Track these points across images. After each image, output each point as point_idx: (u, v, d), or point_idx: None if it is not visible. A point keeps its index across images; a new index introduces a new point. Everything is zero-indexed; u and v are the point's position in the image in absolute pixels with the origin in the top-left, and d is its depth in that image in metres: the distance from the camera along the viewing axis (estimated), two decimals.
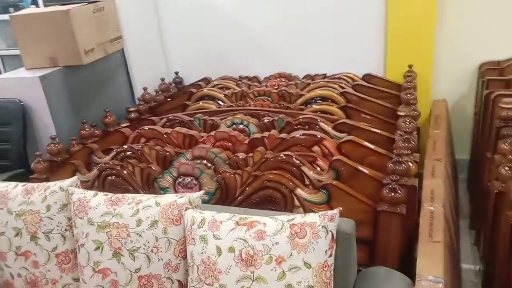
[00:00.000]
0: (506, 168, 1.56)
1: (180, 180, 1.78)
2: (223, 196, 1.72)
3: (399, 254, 1.49)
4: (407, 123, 1.91)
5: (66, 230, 1.53)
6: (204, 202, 1.49)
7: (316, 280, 1.19)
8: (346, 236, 1.30)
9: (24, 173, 2.15)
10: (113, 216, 1.40)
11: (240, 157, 1.78)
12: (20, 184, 1.63)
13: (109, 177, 1.90)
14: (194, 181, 1.75)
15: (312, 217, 1.25)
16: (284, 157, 1.71)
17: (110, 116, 2.46)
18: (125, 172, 1.86)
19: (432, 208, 1.67)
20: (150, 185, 1.83)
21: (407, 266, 1.52)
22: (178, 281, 1.38)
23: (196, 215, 1.33)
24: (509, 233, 1.37)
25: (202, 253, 1.26)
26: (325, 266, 1.20)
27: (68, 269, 1.54)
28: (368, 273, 1.39)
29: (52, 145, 2.12)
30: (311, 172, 1.68)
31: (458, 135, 2.97)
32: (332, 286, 1.22)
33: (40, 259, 1.53)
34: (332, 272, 1.22)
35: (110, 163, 1.92)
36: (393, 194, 1.50)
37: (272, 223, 1.25)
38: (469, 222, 2.60)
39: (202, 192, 1.44)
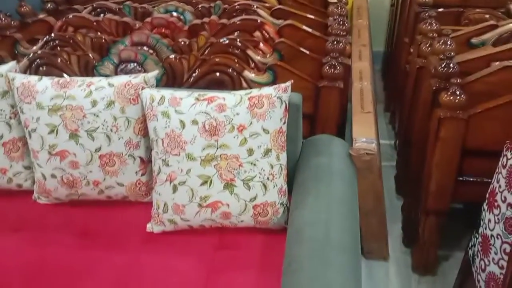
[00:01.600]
0: (427, 45, 1.77)
1: (122, 67, 1.74)
2: (170, 82, 1.73)
3: (336, 124, 1.68)
4: (339, 8, 2.02)
5: (10, 118, 1.47)
6: None
7: (273, 144, 1.32)
8: (295, 106, 1.43)
9: None
10: (64, 99, 1.37)
11: (184, 42, 1.77)
12: None
13: (42, 67, 1.79)
14: (138, 67, 1.73)
15: (268, 90, 1.34)
16: (229, 41, 1.74)
17: (25, 5, 2.22)
18: (59, 60, 1.76)
19: (361, 85, 1.87)
20: (89, 74, 1.77)
21: (341, 136, 1.73)
22: (140, 157, 1.43)
23: (154, 93, 1.35)
24: (429, 98, 1.61)
25: (165, 127, 1.31)
26: (280, 132, 1.34)
27: (17, 157, 1.51)
28: (312, 140, 1.57)
29: None
30: (256, 55, 1.74)
31: (375, 28, 3.17)
32: (285, 149, 1.36)
33: None
34: (285, 137, 1.36)
35: (40, 52, 1.80)
36: (332, 70, 1.64)
37: (231, 97, 1.33)
38: (384, 106, 2.93)
39: (156, 71, 1.45)
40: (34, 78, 1.42)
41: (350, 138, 1.61)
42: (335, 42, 1.70)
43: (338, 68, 1.64)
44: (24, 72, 1.80)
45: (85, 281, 1.26)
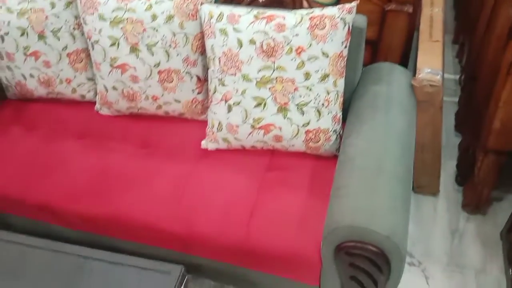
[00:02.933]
0: None
1: None
2: None
3: (401, 52, 1.59)
4: None
5: (74, 29, 1.51)
6: None
7: (332, 69, 1.28)
8: (358, 30, 1.36)
9: None
10: (125, 12, 1.37)
11: None
12: None
13: None
14: None
15: (331, 10, 1.27)
16: None
17: None
18: None
19: (432, 11, 1.72)
20: None
21: (404, 65, 1.64)
22: (197, 76, 1.45)
23: (213, 9, 1.32)
24: (506, 29, 1.47)
25: (223, 46, 1.30)
26: (340, 56, 1.28)
27: (81, 68, 1.57)
28: (373, 68, 1.50)
29: None
30: None
31: None
32: (344, 76, 1.32)
33: (51, 59, 1.54)
34: (345, 62, 1.31)
35: None
36: None
37: (291, 16, 1.28)
38: (452, 38, 2.71)
39: None
40: None
41: (413, 68, 1.53)
42: None
43: None
44: None
45: (144, 187, 1.35)
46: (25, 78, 1.59)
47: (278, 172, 1.37)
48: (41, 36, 1.50)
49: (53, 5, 1.47)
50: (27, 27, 1.49)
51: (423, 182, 1.78)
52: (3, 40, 1.52)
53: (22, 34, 1.50)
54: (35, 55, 1.53)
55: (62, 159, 1.46)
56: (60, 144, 1.51)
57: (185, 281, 1.15)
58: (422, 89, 1.42)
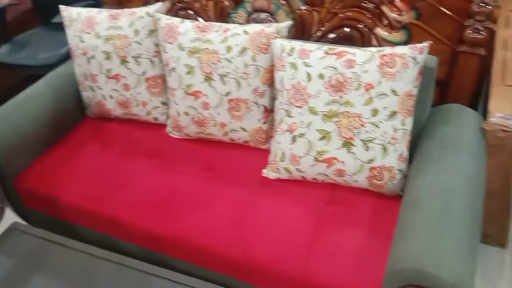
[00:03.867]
0: None
1: (254, 16, 1.79)
2: (299, 34, 1.74)
3: (470, 94, 1.55)
4: None
5: (154, 56, 1.62)
6: None
7: (400, 107, 1.28)
8: (429, 70, 1.35)
9: (94, 5, 2.17)
10: (203, 42, 1.46)
11: None
12: (103, 10, 1.67)
13: (181, 11, 1.91)
14: (269, 17, 1.76)
15: (402, 49, 1.28)
16: None
17: None
18: (197, 5, 1.86)
19: (505, 55, 1.68)
20: (223, 20, 1.85)
21: (474, 108, 1.59)
22: (264, 106, 1.49)
23: (285, 44, 1.37)
24: None
25: (292, 78, 1.34)
26: (410, 95, 1.28)
27: (157, 93, 1.67)
28: (442, 108, 1.48)
29: None
30: (391, 12, 1.65)
31: None
32: (412, 115, 1.31)
33: (130, 82, 1.66)
34: (414, 101, 1.30)
35: None
36: (475, 35, 1.49)
37: (361, 53, 1.30)
38: None
39: (289, 22, 1.46)
40: (177, 20, 1.53)
41: (483, 111, 1.48)
42: (481, 4, 1.53)
43: (482, 33, 1.49)
44: (166, 14, 1.95)
45: (205, 209, 1.40)
46: (105, 98, 1.72)
47: (339, 207, 1.36)
48: (123, 61, 1.62)
49: (136, 33, 1.59)
50: (112, 52, 1.62)
51: (490, 232, 1.69)
52: (89, 62, 1.67)
53: (107, 58, 1.63)
54: (116, 78, 1.66)
55: (132, 176, 1.54)
56: (132, 162, 1.60)
57: None
58: (494, 134, 1.38)
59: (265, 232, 1.32)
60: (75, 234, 1.58)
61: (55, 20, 1.99)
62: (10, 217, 1.72)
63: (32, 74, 2.12)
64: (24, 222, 1.68)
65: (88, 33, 1.64)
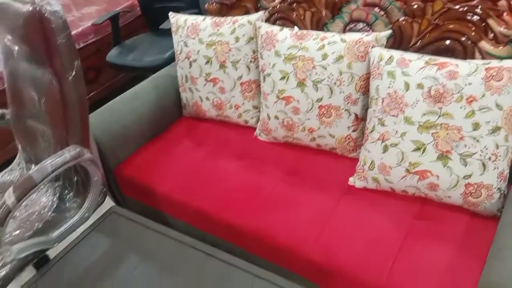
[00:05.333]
0: None
1: (351, 26, 1.80)
2: (396, 45, 1.70)
3: None
4: None
5: (250, 61, 1.70)
6: None
7: (505, 122, 1.21)
8: None
9: (197, 13, 2.33)
10: (299, 50, 1.51)
11: (418, 6, 1.71)
12: (208, 17, 1.79)
13: (278, 21, 1.98)
14: (366, 27, 1.76)
15: (511, 63, 1.22)
16: (468, 8, 1.61)
17: None
18: (295, 15, 1.92)
19: None
20: (319, 30, 1.88)
21: None
22: (355, 114, 1.49)
23: (383, 53, 1.37)
24: None
25: (388, 87, 1.33)
26: None
27: (249, 97, 1.74)
28: None
29: None
30: (498, 26, 1.57)
31: None
32: None
33: (226, 86, 1.75)
34: None
35: (279, 6, 1.99)
36: None
37: (465, 65, 1.25)
38: None
39: (389, 31, 1.46)
40: (276, 28, 1.59)
41: None
42: None
43: None
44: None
45: (289, 211, 1.42)
46: (201, 100, 1.83)
47: (428, 222, 1.31)
48: (222, 65, 1.72)
49: (237, 40, 1.69)
50: (212, 57, 1.73)
51: None
52: (190, 65, 1.79)
53: (207, 62, 1.74)
54: (214, 81, 1.76)
55: (221, 173, 1.62)
56: (221, 161, 1.68)
57: None
58: None
59: (349, 239, 1.31)
60: (165, 224, 1.69)
61: (162, 26, 2.17)
62: (108, 203, 1.89)
63: (137, 75, 2.32)
64: None
65: (193, 38, 1.76)
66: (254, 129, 1.80)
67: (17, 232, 1.41)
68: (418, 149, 1.29)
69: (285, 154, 1.67)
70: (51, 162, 1.29)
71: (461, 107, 1.23)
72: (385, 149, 1.35)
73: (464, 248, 1.22)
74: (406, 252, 1.24)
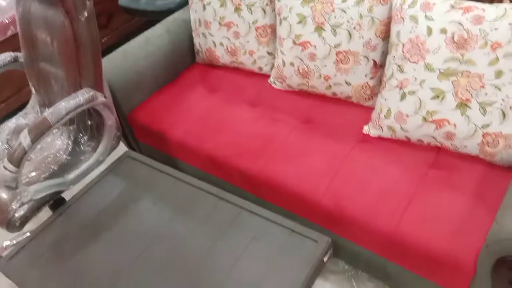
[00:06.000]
0: None
1: None
2: None
3: None
4: None
5: (266, 4, 1.64)
6: None
7: None
8: None
9: None
10: None
11: None
12: None
13: None
14: None
15: None
16: None
17: None
18: None
19: None
20: None
21: None
22: (374, 60, 1.45)
23: None
24: None
25: (410, 32, 1.28)
26: None
27: (264, 42, 1.70)
28: None
29: None
30: None
31: None
32: None
33: (241, 31, 1.70)
34: None
35: None
36: None
37: (492, 9, 1.19)
38: None
39: None
40: None
41: None
42: None
43: None
44: None
45: (302, 158, 1.42)
46: (215, 45, 1.79)
47: (443, 171, 1.30)
48: (237, 9, 1.67)
49: None
50: None
51: None
52: (204, 8, 1.74)
53: (221, 5, 1.69)
54: (228, 25, 1.71)
55: (234, 120, 1.61)
56: (234, 108, 1.66)
57: (329, 252, 1.18)
58: None
59: (361, 187, 1.31)
60: (178, 169, 1.71)
61: None
62: (123, 149, 1.91)
63: (150, 20, 2.27)
64: None
65: None
66: (268, 76, 1.77)
67: (33, 174, 1.43)
68: (436, 97, 1.26)
69: (299, 102, 1.64)
70: (65, 105, 1.30)
71: (484, 54, 1.18)
72: (403, 97, 1.32)
73: (477, 198, 1.22)
74: (418, 200, 1.24)
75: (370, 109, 1.53)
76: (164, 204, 1.37)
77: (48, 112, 1.27)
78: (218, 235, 1.24)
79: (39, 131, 1.24)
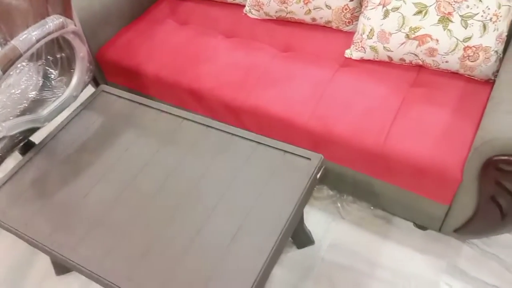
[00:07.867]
0: None
1: None
2: None
3: None
4: None
5: None
6: None
7: None
8: None
9: None
10: None
11: None
12: None
13: None
14: None
15: None
16: None
17: None
18: None
19: None
20: None
21: None
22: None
23: None
24: None
25: None
26: None
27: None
28: None
29: None
30: None
31: None
32: None
33: None
34: None
35: None
36: None
37: None
38: None
39: None
40: None
41: None
42: None
43: None
44: None
45: (284, 86, 1.40)
46: None
47: (425, 88, 1.33)
48: None
49: None
50: None
51: None
52: None
53: None
54: None
55: (211, 52, 1.56)
56: (210, 39, 1.60)
57: (322, 169, 1.20)
58: None
59: (346, 108, 1.32)
60: None
61: None
62: (91, 90, 1.81)
63: None
64: None
65: None
66: (243, 6, 1.71)
67: (3, 111, 1.34)
68: (419, 12, 1.26)
69: (278, 30, 1.61)
70: (34, 32, 1.19)
71: None
72: (386, 15, 1.31)
73: (458, 111, 1.26)
74: (403, 117, 1.27)
75: (350, 34, 1.52)
76: (148, 136, 1.32)
77: (16, 40, 1.17)
78: (209, 161, 1.22)
79: (9, 60, 1.14)
